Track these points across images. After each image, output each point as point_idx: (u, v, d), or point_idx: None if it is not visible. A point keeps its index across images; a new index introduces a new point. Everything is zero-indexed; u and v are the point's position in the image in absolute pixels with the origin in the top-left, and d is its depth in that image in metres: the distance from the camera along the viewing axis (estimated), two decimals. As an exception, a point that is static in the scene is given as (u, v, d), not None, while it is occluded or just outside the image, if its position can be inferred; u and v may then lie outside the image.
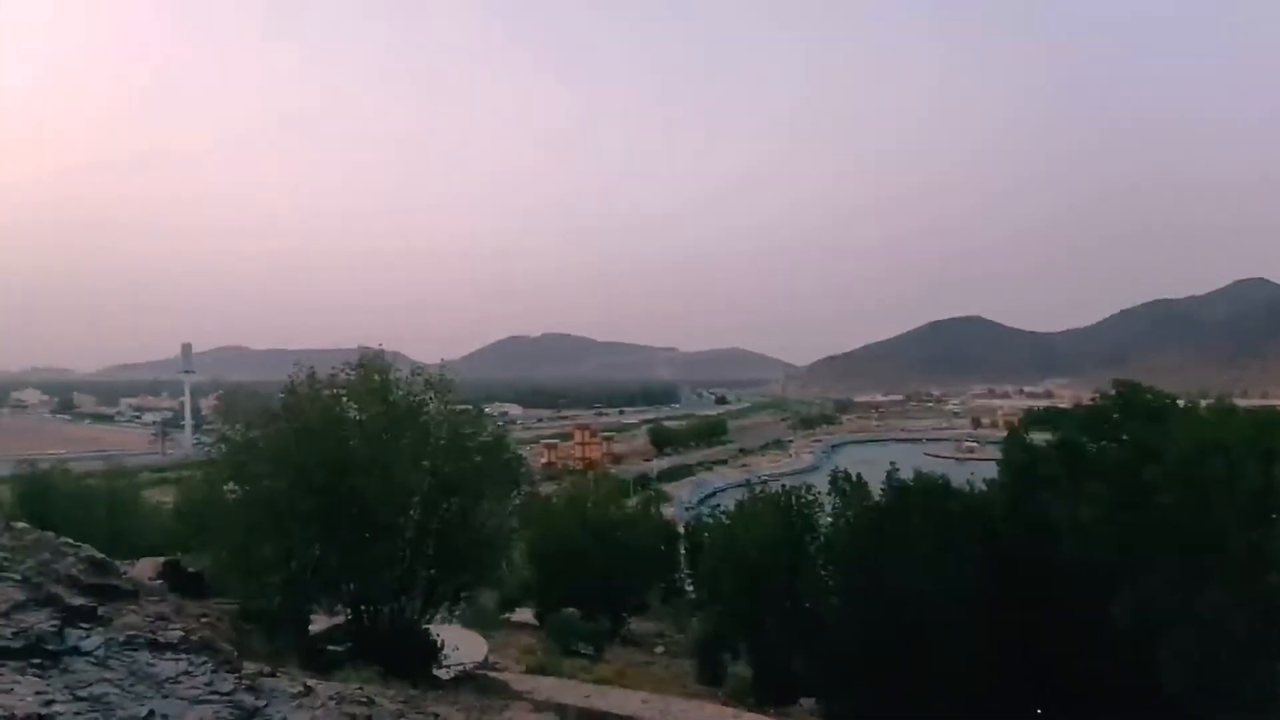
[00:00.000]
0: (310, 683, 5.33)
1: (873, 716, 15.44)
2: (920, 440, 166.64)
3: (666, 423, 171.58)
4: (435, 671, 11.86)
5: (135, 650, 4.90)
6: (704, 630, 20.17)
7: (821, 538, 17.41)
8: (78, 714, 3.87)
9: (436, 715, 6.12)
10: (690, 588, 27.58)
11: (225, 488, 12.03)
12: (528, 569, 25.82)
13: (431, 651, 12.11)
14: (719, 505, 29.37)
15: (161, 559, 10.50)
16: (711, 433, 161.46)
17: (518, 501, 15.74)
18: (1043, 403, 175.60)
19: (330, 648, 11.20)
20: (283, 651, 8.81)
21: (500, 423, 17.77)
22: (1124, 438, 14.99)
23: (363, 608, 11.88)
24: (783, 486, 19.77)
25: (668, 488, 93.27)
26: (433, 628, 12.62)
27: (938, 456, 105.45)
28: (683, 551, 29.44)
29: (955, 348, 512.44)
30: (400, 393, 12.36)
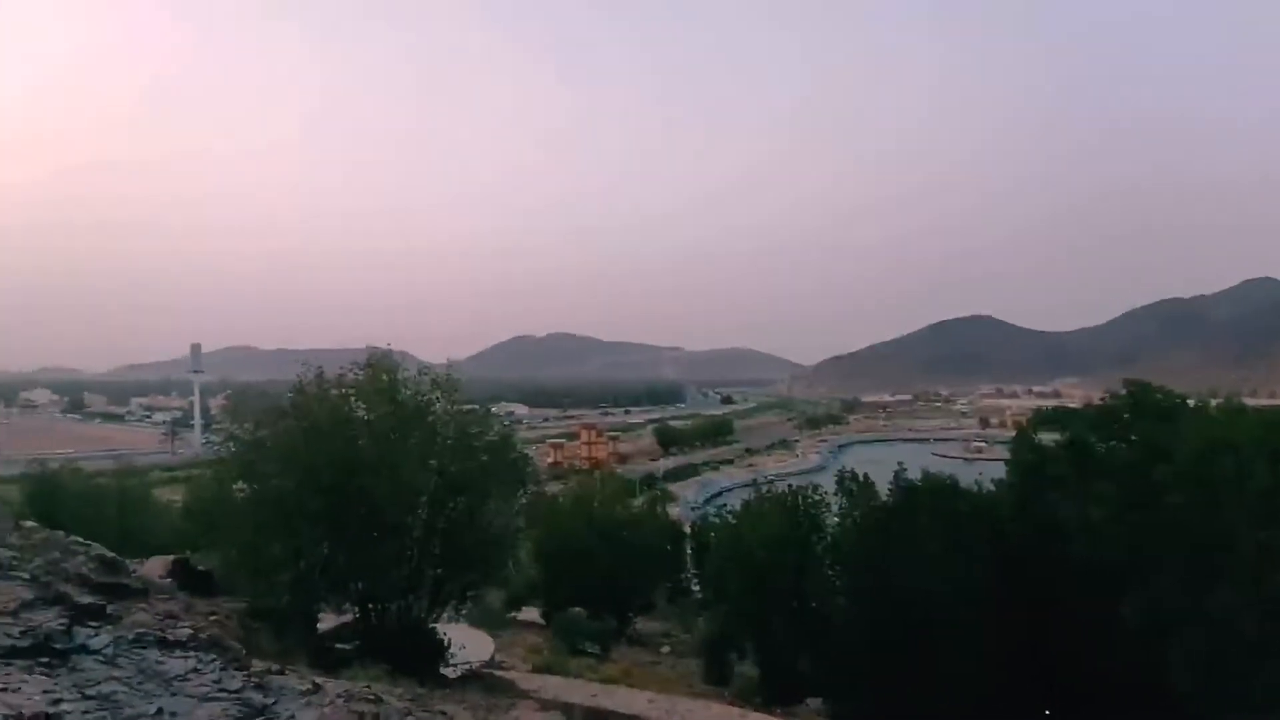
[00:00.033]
0: (318, 680, 5.34)
1: (880, 717, 15.39)
2: (928, 440, 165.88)
3: (672, 422, 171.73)
4: (442, 670, 11.88)
5: (144, 648, 4.93)
6: (710, 630, 20.15)
7: (828, 538, 17.36)
8: (85, 712, 3.87)
9: (444, 713, 6.13)
10: (696, 587, 27.54)
11: (234, 487, 12.10)
12: (534, 568, 25.81)
13: (438, 650, 12.14)
14: (725, 505, 29.40)
15: (171, 557, 10.54)
16: (717, 432, 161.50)
17: (524, 501, 15.74)
18: (1052, 402, 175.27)
19: (338, 646, 11.25)
20: (291, 649, 8.84)
21: (506, 422, 17.75)
22: (1133, 438, 14.92)
23: (370, 606, 11.93)
24: (789, 486, 19.71)
25: (674, 487, 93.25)
26: (440, 626, 12.66)
27: (945, 456, 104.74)
28: (689, 551, 29.39)
29: (962, 347, 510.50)
30: (408, 392, 12.40)
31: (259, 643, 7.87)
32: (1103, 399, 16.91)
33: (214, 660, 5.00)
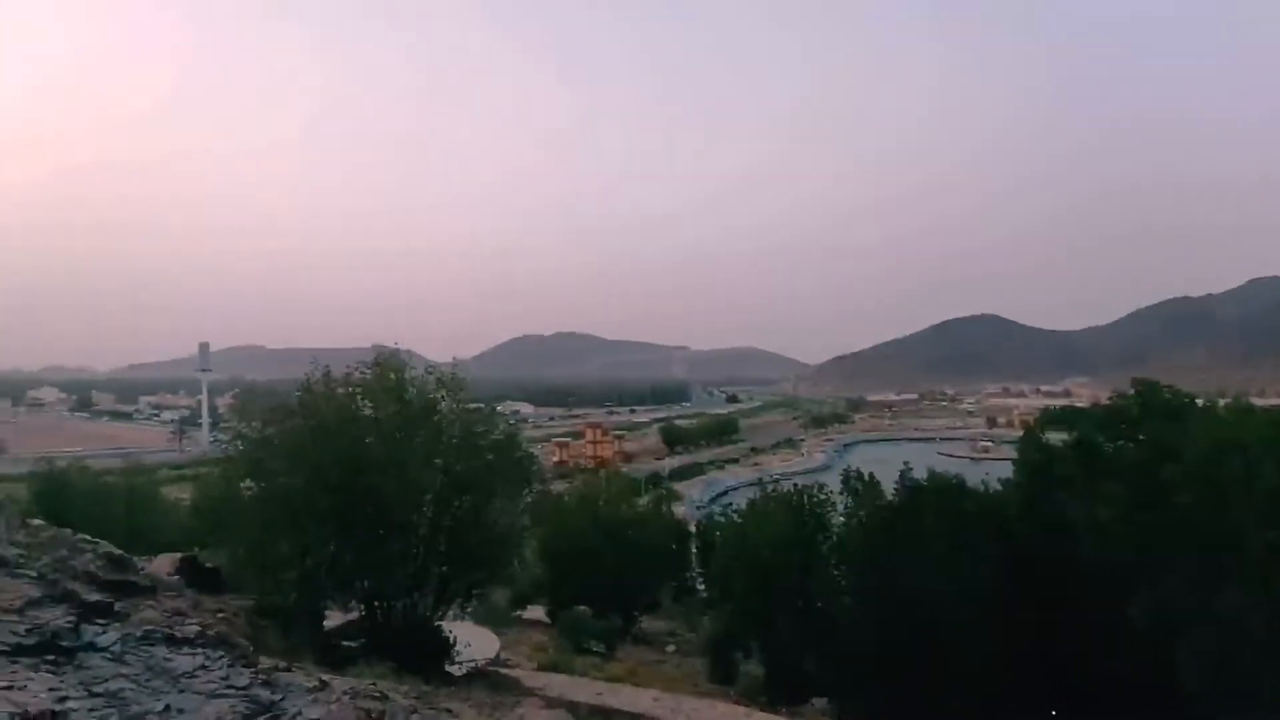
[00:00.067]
0: (325, 678, 5.36)
1: (885, 716, 15.36)
2: (934, 439, 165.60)
3: (678, 421, 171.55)
4: (448, 668, 11.91)
5: (152, 645, 4.95)
6: (715, 629, 20.13)
7: (834, 537, 17.32)
8: (92, 710, 3.88)
9: (449, 711, 6.14)
10: (702, 586, 27.51)
11: (242, 485, 12.13)
12: (540, 567, 25.85)
13: (444, 648, 12.16)
14: (731, 504, 29.30)
15: (179, 555, 10.58)
16: (723, 431, 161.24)
17: (529, 499, 15.77)
18: (1060, 401, 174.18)
19: (345, 643, 11.27)
20: (298, 647, 8.87)
21: (512, 421, 17.77)
22: (1141, 437, 14.85)
23: (376, 604, 11.95)
24: (795, 485, 19.67)
25: (679, 486, 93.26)
26: (445, 624, 12.68)
27: (952, 456, 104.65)
28: (694, 550, 29.35)
29: (968, 346, 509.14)
30: (414, 391, 12.42)
31: (266, 640, 7.89)
32: (1111, 399, 16.83)
33: (222, 657, 5.02)
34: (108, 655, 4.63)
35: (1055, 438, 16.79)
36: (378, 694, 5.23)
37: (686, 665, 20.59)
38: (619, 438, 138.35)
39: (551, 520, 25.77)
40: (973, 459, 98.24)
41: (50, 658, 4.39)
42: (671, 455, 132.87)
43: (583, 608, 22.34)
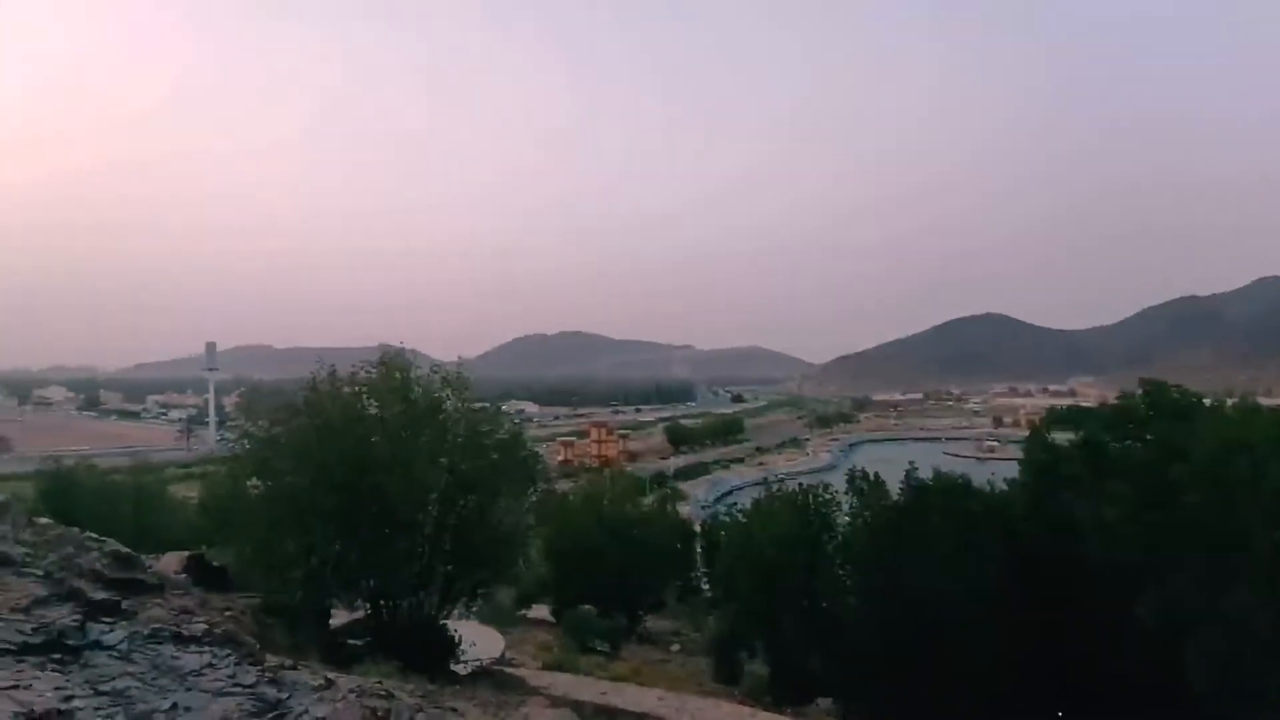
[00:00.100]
0: (331, 676, 5.37)
1: (891, 717, 15.32)
2: (940, 439, 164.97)
3: (683, 421, 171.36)
4: (453, 666, 11.92)
5: (159, 643, 4.96)
6: (720, 628, 20.11)
7: (839, 537, 17.29)
8: (98, 709, 3.87)
9: (454, 709, 6.15)
10: (706, 586, 27.51)
11: (248, 484, 12.16)
12: (544, 566, 25.88)
13: (449, 647, 12.17)
14: (735, 503, 29.30)
15: (186, 553, 10.62)
16: (728, 431, 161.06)
17: (534, 499, 15.77)
18: (1067, 401, 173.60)
19: (350, 642, 11.30)
20: (304, 645, 8.90)
21: (516, 420, 17.77)
22: (1148, 437, 14.80)
23: (382, 603, 11.97)
24: (800, 485, 19.64)
25: (684, 486, 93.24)
26: (450, 623, 12.69)
27: (958, 456, 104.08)
28: (699, 549, 29.37)
29: (974, 346, 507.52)
30: (419, 391, 12.43)
31: (273, 638, 7.92)
32: (1118, 398, 16.78)
33: (228, 655, 5.03)
34: (114, 653, 4.64)
35: (1061, 437, 16.74)
36: (383, 692, 5.24)
37: (691, 665, 20.58)
38: (624, 437, 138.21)
39: (556, 519, 25.78)
40: (979, 459, 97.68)
41: (56, 656, 4.39)
42: (676, 455, 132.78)
43: (587, 607, 22.32)
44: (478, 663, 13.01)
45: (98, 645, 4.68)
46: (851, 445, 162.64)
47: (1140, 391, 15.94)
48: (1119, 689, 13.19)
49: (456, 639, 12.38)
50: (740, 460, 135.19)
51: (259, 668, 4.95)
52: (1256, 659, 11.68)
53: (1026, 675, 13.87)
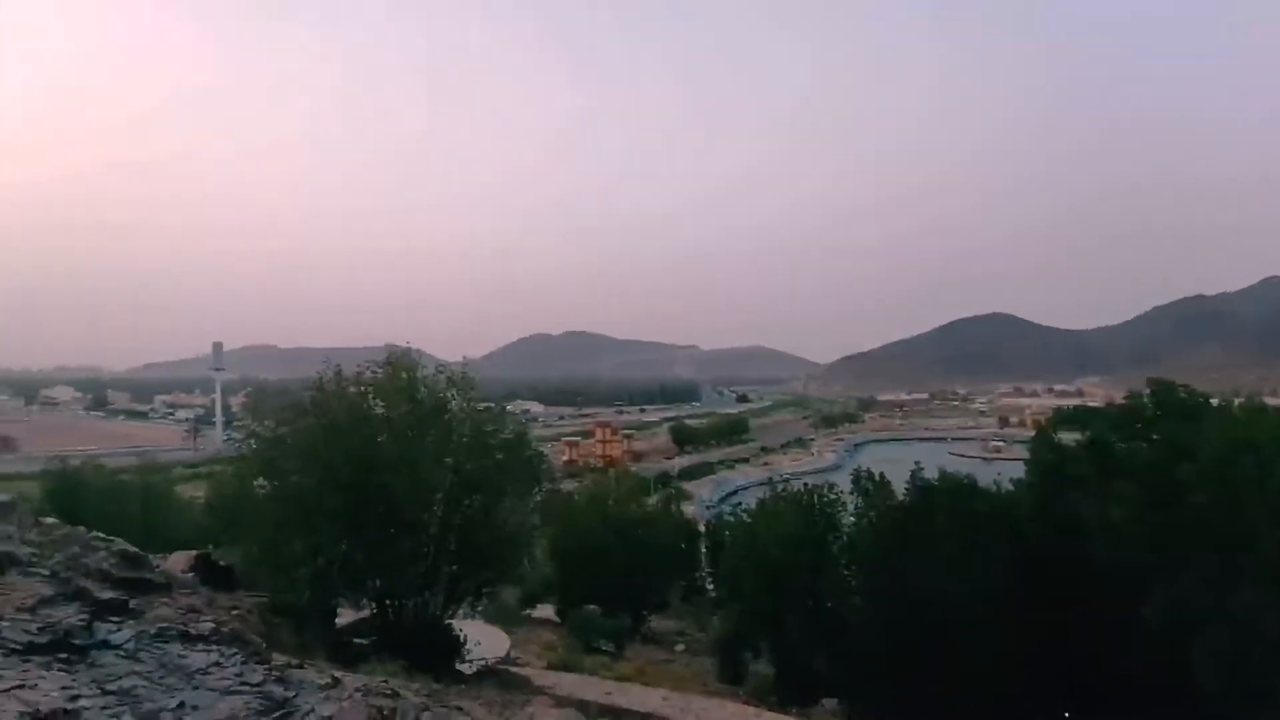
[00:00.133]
0: (337, 675, 5.40)
1: (896, 717, 15.29)
2: (945, 439, 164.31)
3: (688, 421, 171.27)
4: (458, 666, 11.96)
5: (166, 642, 4.99)
6: (725, 628, 20.11)
7: (844, 537, 17.26)
8: (104, 708, 3.88)
9: (459, 709, 6.16)
10: (711, 586, 27.49)
11: (255, 483, 12.21)
12: (549, 566, 25.86)
13: (454, 646, 12.21)
14: (740, 503, 29.29)
15: (193, 553, 10.65)
16: (733, 431, 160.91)
17: (539, 498, 15.78)
18: (1073, 401, 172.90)
19: (356, 641, 11.34)
20: (310, 644, 8.93)
21: (521, 420, 17.79)
22: (1155, 437, 14.75)
23: (388, 602, 12.01)
24: (805, 485, 19.61)
25: (689, 486, 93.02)
26: (456, 623, 12.73)
27: (964, 456, 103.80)
28: (704, 550, 29.32)
29: (979, 346, 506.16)
30: (425, 391, 12.46)
31: (279, 637, 7.95)
32: (1126, 398, 16.73)
33: (235, 654, 5.06)
34: (121, 653, 4.66)
35: (1068, 437, 16.70)
36: (389, 691, 5.26)
37: (696, 665, 20.57)
38: (628, 437, 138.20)
39: (561, 519, 25.78)
40: (985, 459, 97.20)
41: (63, 656, 4.41)
42: (681, 454, 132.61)
43: (592, 607, 22.35)
44: (483, 662, 13.03)
45: (105, 644, 4.70)
46: (857, 445, 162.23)
47: (1147, 391, 15.88)
48: (1126, 689, 13.15)
49: (462, 638, 12.43)
50: (745, 460, 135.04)
51: (266, 666, 4.98)
52: (1264, 659, 11.64)
53: (1033, 675, 13.83)
